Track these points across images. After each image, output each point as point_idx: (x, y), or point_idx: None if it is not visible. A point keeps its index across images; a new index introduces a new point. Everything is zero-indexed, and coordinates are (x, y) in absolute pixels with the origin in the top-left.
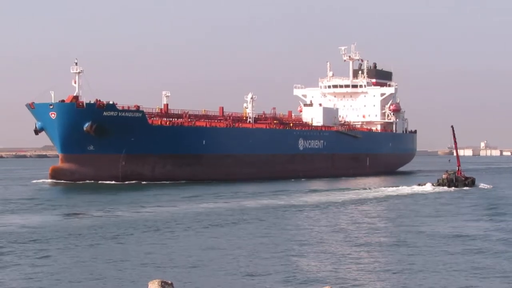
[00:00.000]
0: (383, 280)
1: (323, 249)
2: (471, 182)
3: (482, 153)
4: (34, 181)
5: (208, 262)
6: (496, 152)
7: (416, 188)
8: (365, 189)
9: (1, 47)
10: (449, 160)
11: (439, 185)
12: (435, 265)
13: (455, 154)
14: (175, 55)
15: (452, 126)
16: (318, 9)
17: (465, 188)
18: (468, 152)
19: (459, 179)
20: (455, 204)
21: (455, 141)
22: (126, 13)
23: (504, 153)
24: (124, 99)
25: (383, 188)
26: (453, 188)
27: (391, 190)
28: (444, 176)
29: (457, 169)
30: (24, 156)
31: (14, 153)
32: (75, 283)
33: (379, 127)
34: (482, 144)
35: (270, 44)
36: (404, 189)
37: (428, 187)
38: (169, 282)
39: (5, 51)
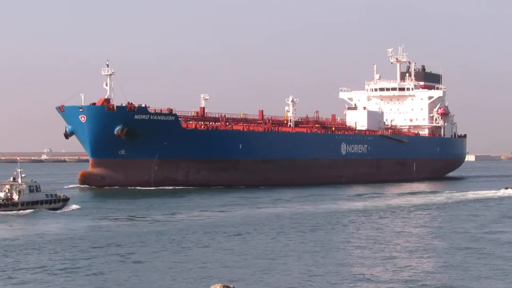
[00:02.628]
0: None
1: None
2: None
3: None
4: (66, 186)
5: (273, 268)
6: None
7: (505, 192)
8: (451, 192)
9: (50, 51)
10: None
11: None
12: None
13: None
14: (218, 58)
15: None
16: (365, 11)
17: None
18: None
19: None
20: None
21: None
22: (165, 16)
23: None
24: (160, 103)
25: (481, 192)
26: None
27: (481, 194)
28: None
29: None
30: (87, 161)
31: (76, 158)
32: (142, 283)
33: (426, 131)
34: None
35: (318, 46)
36: (491, 193)
37: None
38: (232, 286)
39: (57, 55)
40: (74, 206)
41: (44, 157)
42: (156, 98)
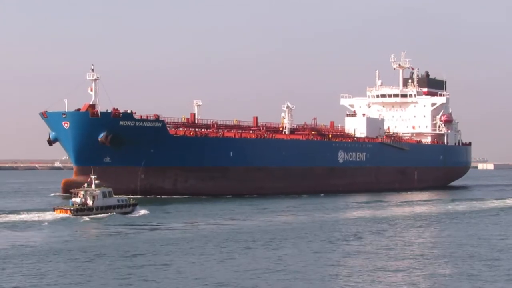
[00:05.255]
0: None
1: None
2: None
3: None
4: (51, 194)
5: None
6: None
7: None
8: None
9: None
10: None
11: None
12: None
13: None
14: (214, 64)
15: None
16: (367, 16)
17: None
18: None
19: None
20: None
21: None
22: (158, 20)
23: None
24: (152, 110)
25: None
26: None
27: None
28: None
29: None
30: None
31: None
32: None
33: (429, 139)
34: None
35: (320, 52)
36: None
37: None
38: None
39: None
40: (143, 211)
41: (57, 164)
42: (148, 105)
